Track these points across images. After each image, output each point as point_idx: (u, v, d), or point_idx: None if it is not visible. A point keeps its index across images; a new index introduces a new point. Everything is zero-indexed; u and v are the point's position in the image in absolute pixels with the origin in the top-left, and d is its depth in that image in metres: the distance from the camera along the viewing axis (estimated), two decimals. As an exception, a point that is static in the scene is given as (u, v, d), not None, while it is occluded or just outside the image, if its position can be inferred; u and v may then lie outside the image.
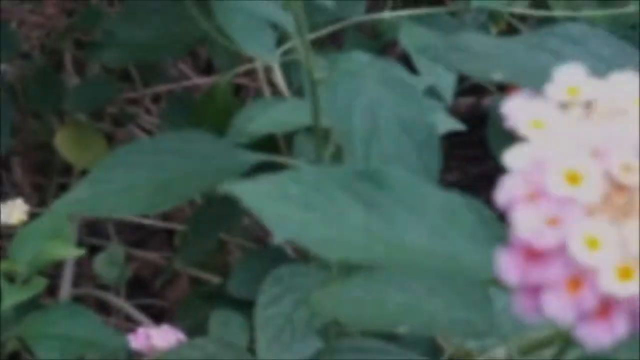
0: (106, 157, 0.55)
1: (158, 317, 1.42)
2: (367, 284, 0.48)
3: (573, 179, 0.28)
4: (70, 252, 0.77)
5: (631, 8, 0.96)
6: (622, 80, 0.32)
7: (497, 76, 0.51)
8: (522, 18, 1.23)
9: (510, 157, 0.30)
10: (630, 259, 0.27)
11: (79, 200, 0.53)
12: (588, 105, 0.32)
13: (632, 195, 0.28)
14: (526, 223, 0.28)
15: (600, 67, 0.54)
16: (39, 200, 1.27)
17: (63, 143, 1.05)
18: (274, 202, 0.35)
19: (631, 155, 0.28)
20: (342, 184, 0.37)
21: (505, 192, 0.29)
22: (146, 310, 1.46)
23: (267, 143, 0.95)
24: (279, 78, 0.93)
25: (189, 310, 0.99)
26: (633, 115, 0.31)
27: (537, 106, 0.31)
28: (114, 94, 1.15)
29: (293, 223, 0.35)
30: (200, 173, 0.53)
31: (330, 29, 0.95)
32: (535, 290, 0.28)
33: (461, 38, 0.52)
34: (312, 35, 0.94)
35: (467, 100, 1.46)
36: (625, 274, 0.27)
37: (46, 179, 1.28)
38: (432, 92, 0.81)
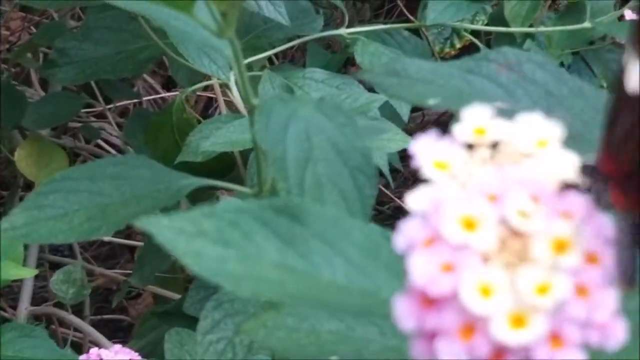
0: (42, 183, 0.55)
1: (127, 332, 1.42)
2: (300, 312, 0.48)
3: (469, 224, 0.28)
4: (21, 273, 0.77)
5: (587, 24, 0.97)
6: (529, 122, 0.31)
7: (432, 102, 0.51)
8: (487, 33, 1.24)
9: (412, 199, 0.30)
10: (524, 307, 0.27)
11: (14, 227, 0.53)
12: (494, 147, 0.32)
13: (528, 242, 0.28)
14: (421, 269, 0.28)
15: (535, 92, 0.54)
16: (2, 215, 1.26)
17: (22, 159, 1.04)
18: (188, 239, 0.35)
19: (528, 201, 0.28)
20: (259, 219, 0.37)
21: (404, 236, 0.29)
22: (113, 325, 1.45)
23: (227, 161, 0.95)
24: (235, 95, 0.93)
25: (146, 328, 0.98)
26: (537, 158, 0.31)
27: (443, 147, 0.31)
28: (76, 109, 1.14)
29: (207, 259, 0.35)
30: (138, 198, 0.53)
31: (287, 45, 0.95)
32: (431, 336, 0.28)
33: (398, 62, 0.52)
34: (269, 53, 0.95)
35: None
36: (518, 322, 0.27)
37: (10, 194, 1.27)
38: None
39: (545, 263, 0.28)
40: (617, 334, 0.28)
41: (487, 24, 1.08)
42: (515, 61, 0.54)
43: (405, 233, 0.29)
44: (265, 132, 0.48)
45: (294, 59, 1.68)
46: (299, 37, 1.00)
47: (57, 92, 1.17)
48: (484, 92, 0.54)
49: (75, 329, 1.13)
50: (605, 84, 1.34)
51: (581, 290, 0.28)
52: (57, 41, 0.88)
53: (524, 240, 0.28)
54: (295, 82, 0.91)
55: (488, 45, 1.17)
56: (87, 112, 1.42)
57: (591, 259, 0.28)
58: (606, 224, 0.29)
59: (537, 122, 0.31)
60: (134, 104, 1.46)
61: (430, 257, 0.28)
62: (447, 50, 1.28)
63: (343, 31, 0.95)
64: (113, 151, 1.48)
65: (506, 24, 1.01)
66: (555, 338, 0.27)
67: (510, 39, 1.04)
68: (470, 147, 0.32)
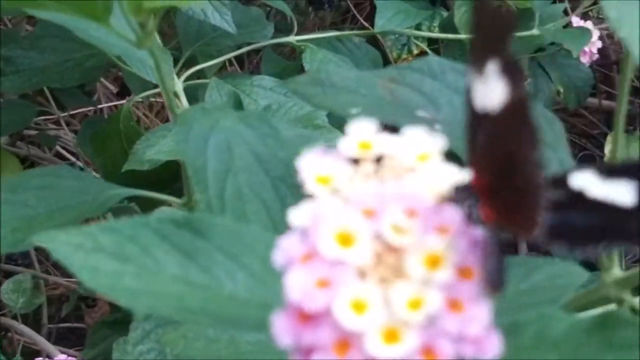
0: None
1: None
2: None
3: (345, 240, 0.28)
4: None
5: (535, 31, 0.98)
6: (413, 136, 0.32)
7: (355, 111, 0.51)
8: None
9: (293, 214, 0.30)
10: (397, 322, 0.27)
11: (-62, 239, 0.52)
12: (379, 161, 0.32)
13: (403, 257, 0.28)
14: (297, 285, 0.28)
15: (458, 100, 0.55)
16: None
17: (-27, 168, 1.03)
18: (85, 254, 0.35)
19: (403, 216, 0.29)
20: (159, 233, 0.37)
21: (282, 252, 0.29)
22: (80, 332, 1.45)
23: (175, 170, 0.95)
24: (184, 102, 0.93)
25: (98, 337, 0.98)
26: (418, 172, 0.31)
27: (327, 161, 0.31)
28: (30, 117, 1.14)
29: (104, 275, 0.35)
30: (64, 209, 0.53)
31: (236, 53, 0.95)
32: (308, 351, 0.28)
33: (322, 72, 0.52)
34: (217, 60, 0.95)
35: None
36: (391, 337, 0.27)
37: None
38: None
39: (418, 278, 0.28)
40: (492, 348, 0.29)
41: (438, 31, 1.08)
42: (439, 70, 0.55)
43: (284, 249, 0.29)
44: (186, 142, 0.48)
45: (258, 66, 1.68)
46: (249, 44, 1.00)
47: (11, 100, 1.16)
48: (407, 101, 0.54)
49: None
50: (562, 89, 1.35)
51: (454, 305, 0.28)
52: (3, 50, 0.88)
53: (399, 255, 0.28)
54: (244, 89, 0.91)
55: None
56: (45, 120, 1.41)
57: (465, 273, 0.28)
58: (480, 238, 0.29)
59: (420, 136, 0.32)
60: (95, 111, 1.46)
61: (307, 273, 0.28)
62: (404, 56, 1.28)
63: (292, 38, 0.95)
64: (73, 159, 1.48)
65: (457, 31, 1.01)
66: (428, 352, 0.28)
67: (461, 46, 1.04)
68: (357, 161, 0.32)
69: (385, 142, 0.32)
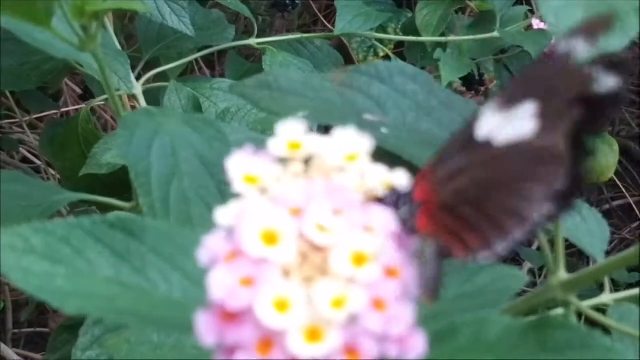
0: None
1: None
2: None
3: (270, 238, 0.28)
4: None
5: (496, 33, 0.98)
6: (342, 136, 0.32)
7: (302, 115, 0.51)
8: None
9: (219, 214, 0.30)
10: (320, 321, 0.27)
11: None
12: (308, 161, 0.32)
13: (328, 256, 0.28)
14: (221, 283, 0.28)
15: (405, 104, 0.55)
16: None
17: None
18: (16, 255, 0.35)
19: (328, 215, 0.28)
20: (92, 234, 0.36)
21: (207, 250, 0.29)
22: (42, 339, 1.43)
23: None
24: (142, 105, 0.92)
25: (59, 341, 0.97)
26: (346, 172, 0.31)
27: (256, 161, 0.31)
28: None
29: (35, 276, 0.35)
30: (10, 214, 0.52)
31: (196, 55, 0.94)
32: (232, 350, 0.28)
33: (269, 75, 0.52)
34: (178, 63, 0.94)
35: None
36: (314, 335, 0.27)
37: None
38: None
39: (342, 276, 0.28)
40: (416, 347, 0.28)
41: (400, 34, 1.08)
42: (387, 74, 0.55)
43: (209, 247, 0.29)
44: (129, 146, 0.47)
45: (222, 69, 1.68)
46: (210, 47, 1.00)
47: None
48: (355, 104, 0.54)
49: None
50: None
51: (378, 304, 0.28)
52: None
53: (324, 254, 0.28)
54: (203, 92, 0.90)
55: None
56: (11, 124, 1.40)
57: (390, 272, 0.28)
58: (408, 240, 0.29)
59: (350, 136, 0.31)
60: (62, 114, 1.44)
61: (231, 272, 0.28)
62: (370, 58, 1.28)
63: (253, 41, 0.95)
64: (39, 163, 1.47)
65: (417, 34, 1.02)
66: (351, 352, 0.27)
67: (423, 48, 1.04)
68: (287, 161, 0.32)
69: (314, 143, 0.31)
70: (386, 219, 0.29)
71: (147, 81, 0.89)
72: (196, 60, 1.10)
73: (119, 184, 0.88)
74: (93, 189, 0.78)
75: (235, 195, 0.31)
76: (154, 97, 0.93)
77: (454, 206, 0.30)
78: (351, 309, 0.27)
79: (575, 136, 0.30)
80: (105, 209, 0.86)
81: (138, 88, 0.86)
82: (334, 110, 0.51)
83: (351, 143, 0.31)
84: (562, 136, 0.29)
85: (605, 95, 0.29)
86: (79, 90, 1.58)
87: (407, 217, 0.29)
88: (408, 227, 0.29)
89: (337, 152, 0.31)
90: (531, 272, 1.47)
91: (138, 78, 0.87)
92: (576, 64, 0.29)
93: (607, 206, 1.74)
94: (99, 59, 0.49)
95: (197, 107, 0.88)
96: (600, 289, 0.65)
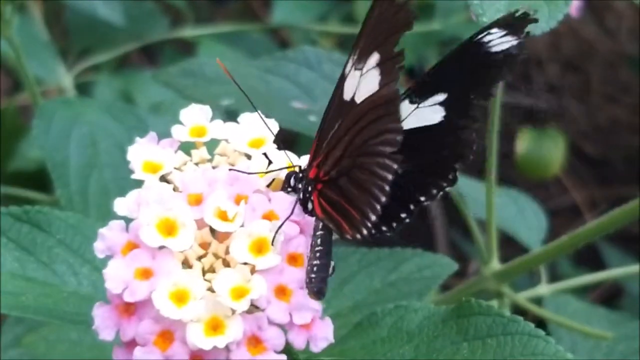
0: None
1: None
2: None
3: (168, 228, 0.27)
4: None
5: (436, 25, 0.97)
6: (249, 122, 0.31)
7: (227, 102, 0.50)
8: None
9: (117, 203, 0.29)
10: (221, 311, 0.26)
11: None
12: (212, 148, 0.31)
13: (228, 245, 0.27)
14: (117, 275, 0.27)
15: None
16: None
17: None
18: None
19: (229, 203, 0.27)
20: (-3, 228, 0.35)
21: (104, 241, 0.28)
22: None
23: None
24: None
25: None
26: (252, 158, 0.30)
27: (157, 149, 0.30)
28: None
29: None
30: None
31: (133, 47, 0.92)
32: (131, 345, 0.27)
33: (194, 63, 0.51)
34: (110, 55, 0.92)
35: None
36: (215, 327, 0.26)
37: None
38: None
39: (243, 266, 0.27)
40: (324, 335, 0.28)
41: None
42: (315, 61, 0.53)
43: (106, 238, 0.27)
44: (46, 137, 0.46)
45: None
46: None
47: None
48: (282, 91, 0.53)
49: None
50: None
51: (281, 292, 0.27)
52: None
53: (225, 243, 0.27)
54: (136, 85, 0.89)
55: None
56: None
57: (293, 260, 0.27)
58: (310, 225, 0.28)
59: (256, 122, 0.30)
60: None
61: (129, 263, 0.27)
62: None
63: (188, 33, 0.93)
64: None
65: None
66: (254, 341, 0.26)
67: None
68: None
69: (219, 129, 0.30)
70: (288, 205, 0.28)
71: (81, 74, 0.87)
72: (137, 53, 1.07)
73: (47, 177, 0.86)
74: (22, 183, 0.76)
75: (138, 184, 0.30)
76: (88, 90, 0.91)
77: (335, 179, 0.29)
78: (252, 298, 0.26)
79: (464, 99, 0.30)
80: (29, 203, 0.83)
81: (67, 80, 0.83)
82: (260, 98, 0.50)
83: (257, 129, 0.30)
84: (394, 80, 0.29)
85: (499, 55, 0.30)
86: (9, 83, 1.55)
87: (306, 200, 0.28)
88: (308, 211, 0.28)
89: (242, 138, 0.30)
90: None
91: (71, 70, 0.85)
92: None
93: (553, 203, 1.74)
94: (14, 46, 0.48)
95: (129, 101, 0.87)
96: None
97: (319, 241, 0.27)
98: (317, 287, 0.26)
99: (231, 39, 0.97)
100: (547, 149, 1.16)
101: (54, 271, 0.35)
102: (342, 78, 0.30)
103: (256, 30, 1.02)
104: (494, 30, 0.30)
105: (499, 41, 0.30)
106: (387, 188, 0.28)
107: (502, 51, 0.30)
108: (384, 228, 0.30)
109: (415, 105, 0.31)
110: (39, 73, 0.82)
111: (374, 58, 0.29)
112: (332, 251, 0.28)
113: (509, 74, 0.30)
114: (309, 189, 0.28)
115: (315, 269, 0.27)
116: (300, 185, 0.28)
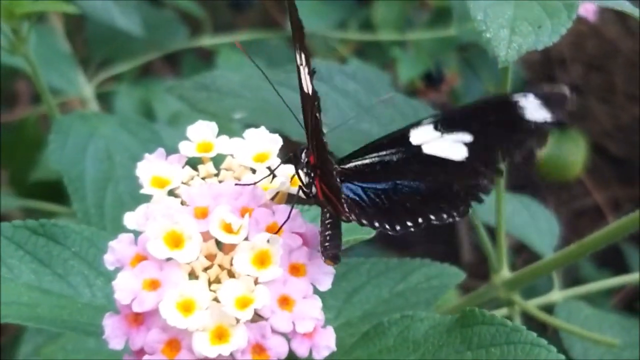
0: None
1: None
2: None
3: (175, 240, 0.28)
4: None
5: (452, 31, 0.98)
6: (254, 137, 0.32)
7: (239, 115, 0.51)
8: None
9: (127, 217, 0.30)
10: (226, 321, 0.27)
11: None
12: (218, 163, 0.32)
13: (233, 256, 0.28)
14: (126, 287, 0.28)
15: (345, 103, 0.54)
16: None
17: None
18: None
19: (234, 216, 0.28)
20: (14, 240, 0.36)
21: (113, 254, 0.29)
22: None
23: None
24: (94, 108, 0.91)
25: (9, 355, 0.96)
26: (257, 172, 0.31)
27: (165, 164, 0.31)
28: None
29: (-47, 285, 0.34)
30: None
31: (152, 57, 0.93)
32: (140, 354, 0.28)
33: (207, 76, 0.52)
34: (130, 65, 0.94)
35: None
36: (220, 336, 0.27)
37: None
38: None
39: (247, 276, 0.28)
40: (326, 344, 0.28)
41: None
42: (327, 73, 0.54)
43: (115, 251, 0.29)
44: (62, 152, 0.47)
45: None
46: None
47: None
48: (294, 103, 0.53)
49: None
50: (490, 87, 1.35)
51: (285, 302, 0.28)
52: None
53: (230, 255, 0.28)
54: (155, 95, 0.90)
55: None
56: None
57: (296, 270, 0.28)
58: (314, 236, 0.29)
59: (261, 137, 0.31)
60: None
61: (137, 275, 0.28)
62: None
63: (207, 41, 0.94)
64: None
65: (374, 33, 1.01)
66: (258, 349, 0.27)
67: (379, 46, 1.04)
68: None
69: (225, 144, 0.31)
70: (292, 218, 0.29)
71: (102, 84, 0.89)
72: (160, 61, 1.09)
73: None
74: (43, 193, 0.77)
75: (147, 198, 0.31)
76: (109, 100, 0.92)
77: (318, 164, 0.30)
78: (257, 307, 0.27)
79: (489, 151, 0.31)
80: (48, 215, 0.85)
81: (88, 90, 0.85)
82: (272, 110, 0.51)
83: (262, 143, 0.31)
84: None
85: (533, 124, 0.31)
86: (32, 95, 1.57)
87: (308, 186, 0.30)
88: (312, 199, 0.30)
89: (247, 153, 0.31)
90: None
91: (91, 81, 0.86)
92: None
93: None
94: (30, 61, 0.49)
95: (149, 111, 0.88)
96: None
97: (327, 215, 0.29)
98: (331, 253, 0.28)
99: (250, 47, 0.98)
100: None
101: (69, 283, 0.36)
102: (297, 71, 0.31)
103: (275, 37, 1.03)
104: (530, 97, 0.31)
105: (534, 110, 0.31)
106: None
107: (535, 122, 0.31)
108: (386, 226, 0.31)
109: (439, 134, 0.32)
110: (60, 84, 0.83)
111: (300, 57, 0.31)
112: (341, 225, 0.29)
113: (537, 147, 0.31)
114: (312, 174, 0.29)
115: (328, 238, 0.28)
116: (305, 175, 0.29)
